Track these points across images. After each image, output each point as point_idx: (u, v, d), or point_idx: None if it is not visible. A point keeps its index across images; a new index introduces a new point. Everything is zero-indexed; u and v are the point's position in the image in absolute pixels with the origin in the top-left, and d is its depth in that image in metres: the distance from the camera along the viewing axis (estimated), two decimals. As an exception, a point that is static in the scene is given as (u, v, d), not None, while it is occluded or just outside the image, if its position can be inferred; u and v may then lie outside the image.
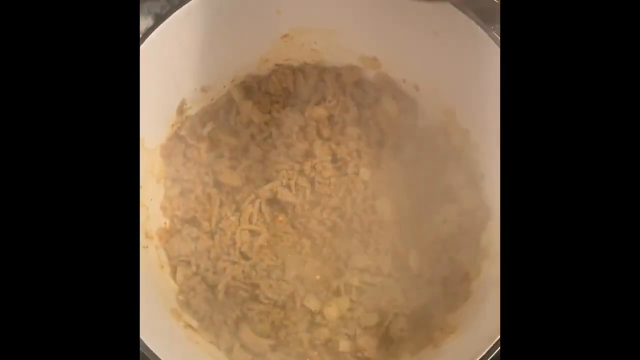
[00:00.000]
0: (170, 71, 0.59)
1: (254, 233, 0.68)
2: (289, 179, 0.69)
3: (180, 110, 0.67)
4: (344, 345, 0.64)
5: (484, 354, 0.49)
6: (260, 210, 0.69)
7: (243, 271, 0.66)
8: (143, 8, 0.73)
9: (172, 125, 0.67)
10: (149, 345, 0.50)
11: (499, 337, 0.49)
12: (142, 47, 0.56)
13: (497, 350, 0.49)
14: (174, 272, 0.67)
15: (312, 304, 0.65)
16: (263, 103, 0.71)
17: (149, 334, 0.50)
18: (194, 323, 0.64)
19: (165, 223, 0.68)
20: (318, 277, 0.67)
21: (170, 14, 0.55)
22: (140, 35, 0.57)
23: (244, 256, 0.67)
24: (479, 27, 0.56)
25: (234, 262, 0.67)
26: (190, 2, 0.58)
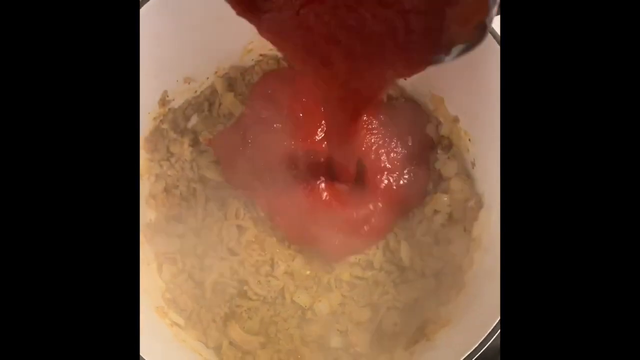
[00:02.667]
0: (150, 61, 0.58)
1: (241, 228, 0.67)
2: (274, 173, 0.68)
3: (163, 102, 0.65)
4: (335, 341, 0.63)
5: (476, 345, 0.48)
6: (246, 205, 0.67)
7: (231, 267, 0.65)
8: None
9: (155, 118, 0.66)
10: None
11: (492, 329, 0.48)
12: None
13: (489, 342, 0.48)
14: (159, 270, 0.65)
15: (303, 299, 0.64)
16: (245, 94, 0.69)
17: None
18: (181, 321, 0.63)
19: (150, 219, 0.67)
20: (308, 272, 0.66)
21: (148, 2, 0.54)
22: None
23: (231, 252, 0.66)
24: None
25: (221, 258, 0.65)
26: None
